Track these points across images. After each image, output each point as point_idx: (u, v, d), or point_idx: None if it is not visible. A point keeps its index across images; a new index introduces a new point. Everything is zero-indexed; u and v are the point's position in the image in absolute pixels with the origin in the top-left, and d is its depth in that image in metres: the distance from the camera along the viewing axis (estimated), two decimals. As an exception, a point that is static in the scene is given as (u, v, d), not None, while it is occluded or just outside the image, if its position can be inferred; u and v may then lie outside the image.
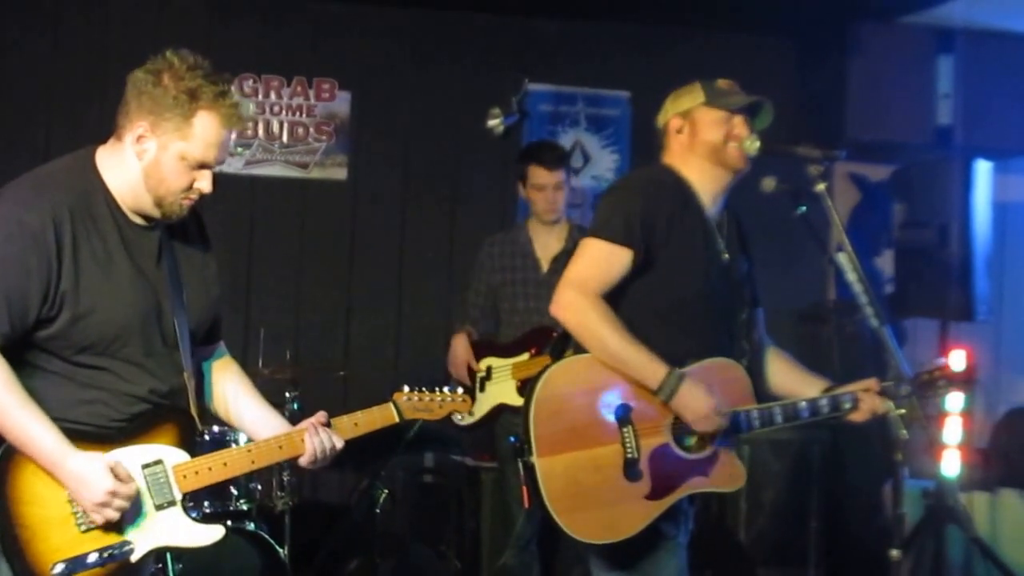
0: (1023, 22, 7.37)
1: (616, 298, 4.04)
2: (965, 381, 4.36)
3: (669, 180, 4.18)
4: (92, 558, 3.24)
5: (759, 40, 7.85)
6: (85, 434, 3.33)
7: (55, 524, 3.27)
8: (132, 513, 3.34)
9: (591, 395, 3.98)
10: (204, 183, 3.43)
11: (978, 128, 7.30)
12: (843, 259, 3.99)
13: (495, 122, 6.26)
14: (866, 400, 4.18)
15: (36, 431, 3.25)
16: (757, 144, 4.11)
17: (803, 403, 4.18)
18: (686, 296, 4.11)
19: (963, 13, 7.16)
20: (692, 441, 4.06)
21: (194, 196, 3.45)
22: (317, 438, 3.62)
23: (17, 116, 7.25)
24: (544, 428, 3.92)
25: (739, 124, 4.16)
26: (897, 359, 4.07)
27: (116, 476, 3.29)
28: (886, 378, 4.17)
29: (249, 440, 3.71)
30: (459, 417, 6.29)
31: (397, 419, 3.82)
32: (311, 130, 7.71)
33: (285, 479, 6.14)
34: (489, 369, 6.34)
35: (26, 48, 7.32)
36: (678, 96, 4.26)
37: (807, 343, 7.47)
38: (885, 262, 7.71)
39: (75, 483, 3.26)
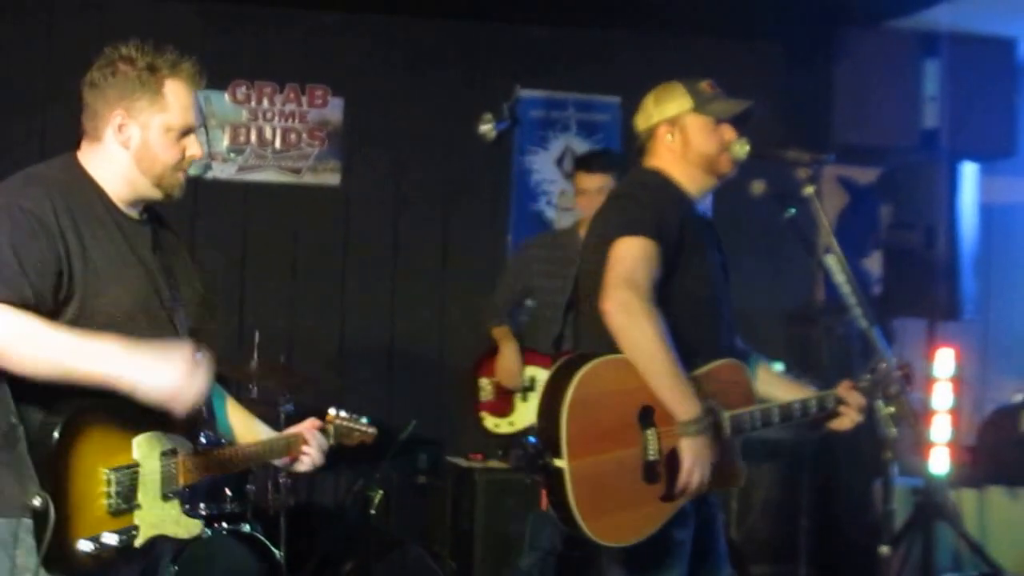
0: (1006, 26, 7.42)
1: None
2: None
3: (669, 185, 4.18)
4: (110, 539, 3.22)
5: (748, 45, 7.89)
6: (109, 417, 3.25)
7: (88, 501, 3.20)
8: (145, 499, 3.32)
9: (619, 397, 3.90)
10: (193, 148, 3.45)
11: (964, 131, 7.31)
12: (831, 261, 4.04)
13: (487, 128, 6.25)
14: (849, 401, 4.17)
15: (98, 348, 3.16)
16: (747, 148, 4.12)
17: (796, 403, 4.17)
18: (700, 297, 4.12)
19: (948, 18, 7.18)
20: None
21: (187, 166, 3.47)
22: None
23: (11, 126, 7.24)
24: (576, 431, 3.83)
25: (728, 129, 4.17)
26: (885, 359, 4.13)
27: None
28: (859, 378, 4.20)
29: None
30: (495, 424, 6.34)
31: (331, 441, 3.93)
32: (304, 136, 7.76)
33: (281, 481, 6.17)
34: (533, 380, 6.32)
35: (20, 57, 7.35)
36: (661, 100, 4.24)
37: (796, 344, 7.51)
38: (873, 263, 7.74)
39: (156, 371, 3.19)
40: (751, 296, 4.42)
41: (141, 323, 3.37)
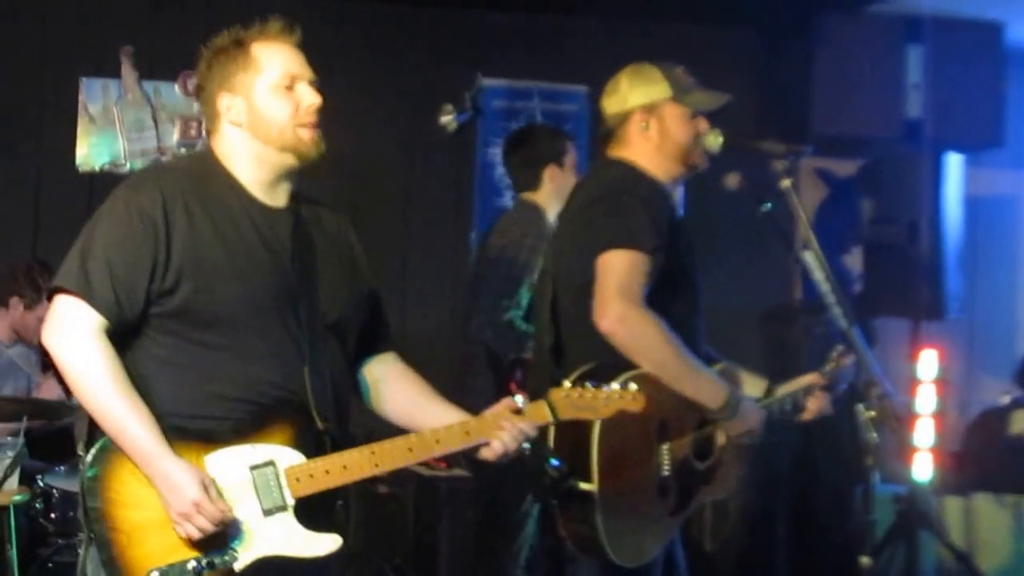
0: (993, 10, 7.34)
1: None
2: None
3: (653, 181, 4.11)
4: (191, 565, 3.09)
5: (721, 31, 7.84)
6: (194, 432, 3.21)
7: (152, 528, 3.13)
8: (238, 519, 3.18)
9: (641, 414, 3.76)
10: (307, 96, 3.39)
11: (948, 121, 7.25)
12: (810, 257, 4.03)
13: (448, 119, 6.11)
14: (812, 399, 4.28)
15: (134, 424, 3.13)
16: (720, 140, 4.11)
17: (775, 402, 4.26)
18: (693, 296, 4.13)
19: (932, 1, 7.15)
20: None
21: (307, 118, 3.39)
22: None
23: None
24: (607, 452, 3.80)
25: (702, 120, 4.15)
26: (866, 360, 4.12)
27: (207, 491, 3.14)
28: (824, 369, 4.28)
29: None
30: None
31: (551, 418, 3.48)
32: (257, 128, 7.63)
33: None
34: None
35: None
36: (637, 84, 4.16)
37: (774, 344, 7.50)
38: (853, 260, 7.72)
39: (165, 486, 3.12)
40: (725, 295, 4.46)
41: (258, 319, 3.28)
